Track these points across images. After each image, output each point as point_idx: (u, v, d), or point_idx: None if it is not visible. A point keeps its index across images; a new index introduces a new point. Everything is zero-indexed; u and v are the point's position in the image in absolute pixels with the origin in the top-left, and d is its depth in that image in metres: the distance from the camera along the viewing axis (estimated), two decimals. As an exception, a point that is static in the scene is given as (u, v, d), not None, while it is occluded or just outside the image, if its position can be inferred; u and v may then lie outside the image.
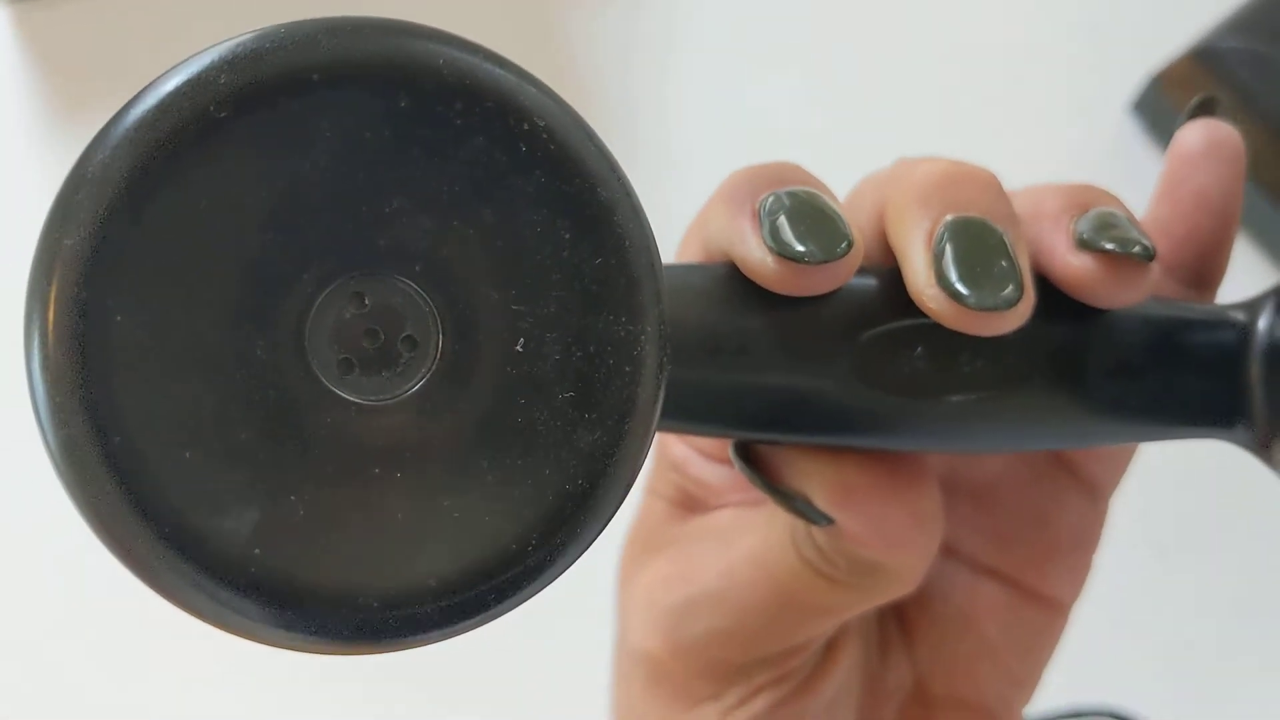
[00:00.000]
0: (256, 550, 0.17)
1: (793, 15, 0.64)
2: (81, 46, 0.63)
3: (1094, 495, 0.29)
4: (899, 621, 0.30)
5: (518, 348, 0.18)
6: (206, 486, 0.16)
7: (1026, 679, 0.30)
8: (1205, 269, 0.27)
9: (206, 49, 0.17)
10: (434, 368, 0.17)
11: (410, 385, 0.17)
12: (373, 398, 0.17)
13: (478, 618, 0.18)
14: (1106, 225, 0.23)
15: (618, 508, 0.18)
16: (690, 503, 0.29)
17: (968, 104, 0.62)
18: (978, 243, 0.21)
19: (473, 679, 0.55)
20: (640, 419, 0.18)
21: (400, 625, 0.17)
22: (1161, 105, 0.56)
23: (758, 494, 0.27)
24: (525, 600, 0.18)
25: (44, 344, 0.16)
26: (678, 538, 0.28)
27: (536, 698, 0.54)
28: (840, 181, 0.25)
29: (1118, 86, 0.58)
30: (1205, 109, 0.27)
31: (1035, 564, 0.29)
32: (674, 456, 0.29)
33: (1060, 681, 0.54)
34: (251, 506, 0.17)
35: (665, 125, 0.61)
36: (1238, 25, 0.56)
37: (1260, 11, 0.56)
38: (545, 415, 0.18)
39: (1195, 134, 0.26)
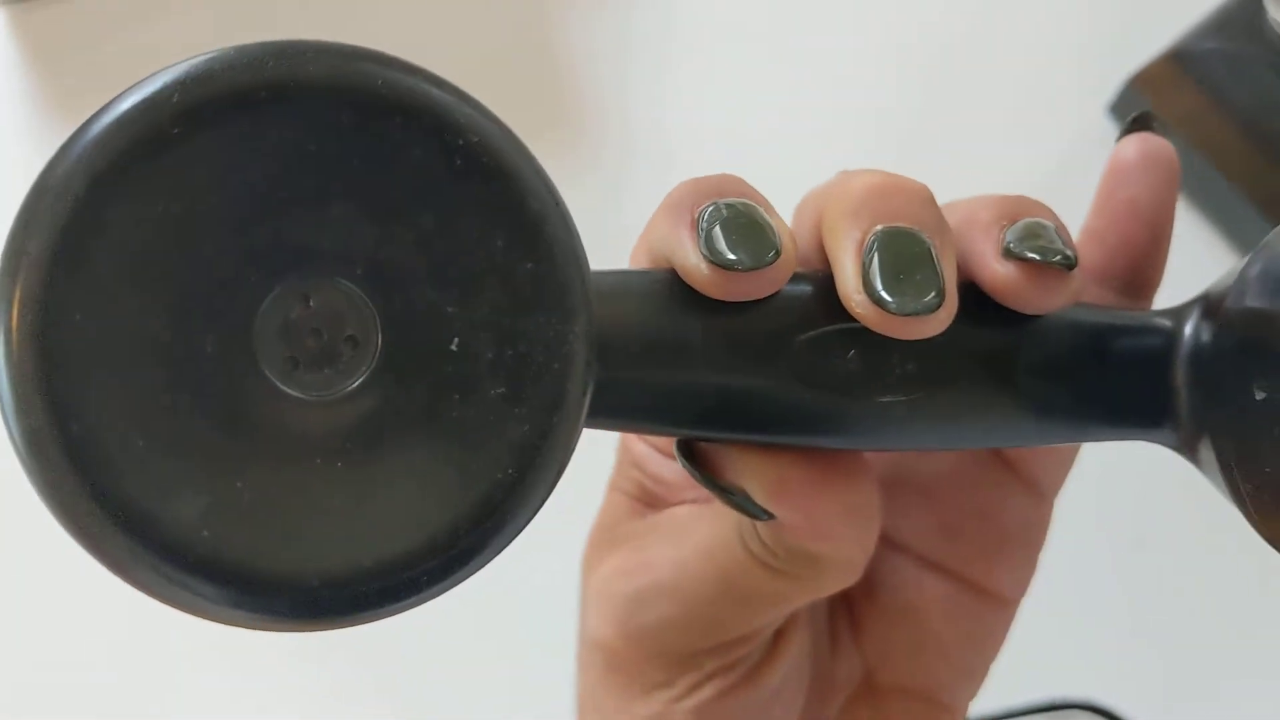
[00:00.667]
0: (205, 532, 0.18)
1: (780, 19, 0.65)
2: (74, 46, 0.64)
3: (1037, 494, 0.30)
4: (849, 615, 0.31)
5: (452, 347, 0.19)
6: (158, 473, 0.18)
7: (973, 670, 0.31)
8: (1139, 277, 0.28)
9: (162, 70, 0.18)
10: (374, 365, 0.19)
11: (351, 381, 0.19)
12: (316, 393, 0.19)
13: (413, 598, 0.19)
14: (1032, 235, 0.24)
15: (546, 496, 0.20)
16: (650, 499, 0.30)
17: (949, 107, 0.63)
18: (904, 252, 0.22)
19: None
20: (568, 413, 0.20)
21: (339, 604, 0.18)
22: (1139, 106, 0.57)
23: (713, 491, 0.28)
24: (458, 583, 0.19)
25: (7, 341, 0.17)
26: (636, 532, 0.29)
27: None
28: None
29: (1096, 89, 0.59)
30: (1141, 124, 0.28)
31: (980, 559, 0.30)
32: (635, 454, 0.30)
33: (1038, 674, 0.55)
34: (200, 492, 0.18)
35: (662, 128, 0.62)
36: (1212, 27, 0.57)
37: (1233, 13, 0.56)
38: (478, 410, 0.19)
39: (1130, 147, 0.27)
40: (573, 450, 0.20)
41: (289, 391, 0.18)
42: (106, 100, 0.18)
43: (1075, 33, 0.63)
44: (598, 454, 0.31)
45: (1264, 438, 0.23)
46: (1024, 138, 0.61)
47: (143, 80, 0.18)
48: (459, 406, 0.19)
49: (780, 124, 0.62)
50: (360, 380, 0.19)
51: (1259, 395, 0.23)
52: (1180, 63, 0.57)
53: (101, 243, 0.18)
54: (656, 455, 0.30)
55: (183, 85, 0.18)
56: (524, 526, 0.20)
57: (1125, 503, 0.58)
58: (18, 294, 0.17)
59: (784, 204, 0.26)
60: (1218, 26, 0.57)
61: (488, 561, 0.19)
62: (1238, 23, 0.56)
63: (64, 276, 0.17)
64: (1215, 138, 0.56)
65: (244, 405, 0.18)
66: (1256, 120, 0.56)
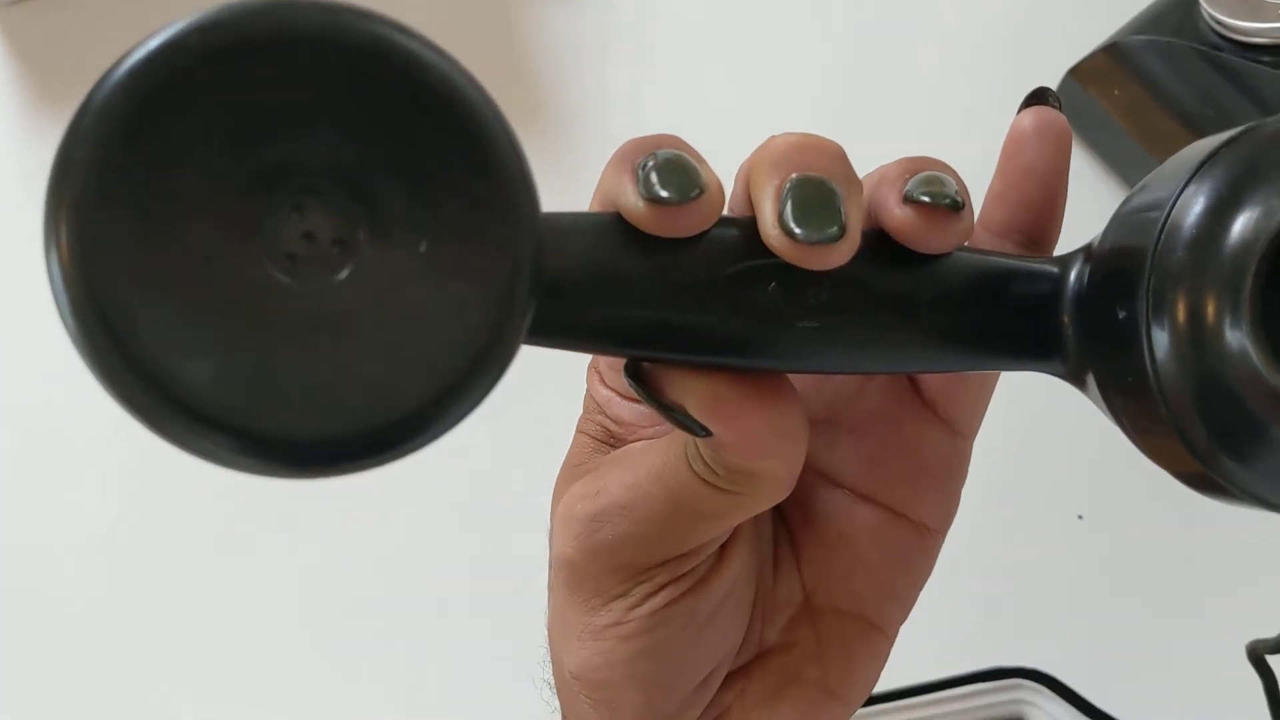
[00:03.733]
0: (216, 390, 0.22)
1: (750, 22, 0.68)
2: (60, 44, 0.67)
3: (954, 432, 0.33)
4: (790, 543, 0.34)
5: (421, 248, 0.23)
6: (179, 344, 0.21)
7: (902, 594, 0.34)
8: (1038, 231, 0.31)
9: (177, 20, 0.22)
10: (357, 261, 0.23)
11: (338, 274, 0.22)
12: (308, 283, 0.22)
13: (387, 454, 0.23)
14: (928, 183, 0.27)
15: (500, 374, 0.23)
16: (612, 439, 0.33)
17: (907, 104, 0.66)
18: (813, 195, 0.26)
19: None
20: (519, 300, 0.23)
21: (325, 455, 0.22)
22: (1078, 97, 0.61)
23: (667, 429, 0.31)
24: (413, 451, 0.23)
25: (57, 233, 0.21)
26: (598, 464, 0.32)
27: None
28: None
29: (1037, 82, 0.63)
30: (1038, 98, 0.31)
31: (904, 490, 0.33)
32: (599, 399, 0.33)
33: (983, 642, 0.58)
34: (214, 357, 0.22)
35: (621, 122, 0.65)
36: (1147, 21, 0.60)
37: (1168, 7, 0.60)
38: (443, 300, 0.23)
39: (1026, 119, 0.31)
40: (524, 332, 0.24)
41: (286, 281, 0.22)
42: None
43: (1017, 28, 0.67)
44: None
45: (1125, 352, 0.26)
46: (967, 128, 0.64)
47: (163, 26, 0.22)
48: (427, 296, 0.23)
49: (747, 120, 0.66)
50: (345, 273, 0.22)
51: (1120, 316, 0.26)
52: (1116, 55, 0.60)
53: (133, 156, 0.21)
54: (617, 399, 0.33)
55: (200, 29, 0.22)
56: (480, 401, 0.23)
57: (1069, 477, 0.61)
58: (67, 194, 0.21)
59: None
60: (1153, 20, 0.60)
61: (445, 432, 0.23)
62: (1172, 16, 0.60)
63: (103, 181, 0.21)
64: (1150, 126, 0.60)
65: (250, 291, 0.22)
66: (1190, 109, 0.59)
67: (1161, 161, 0.60)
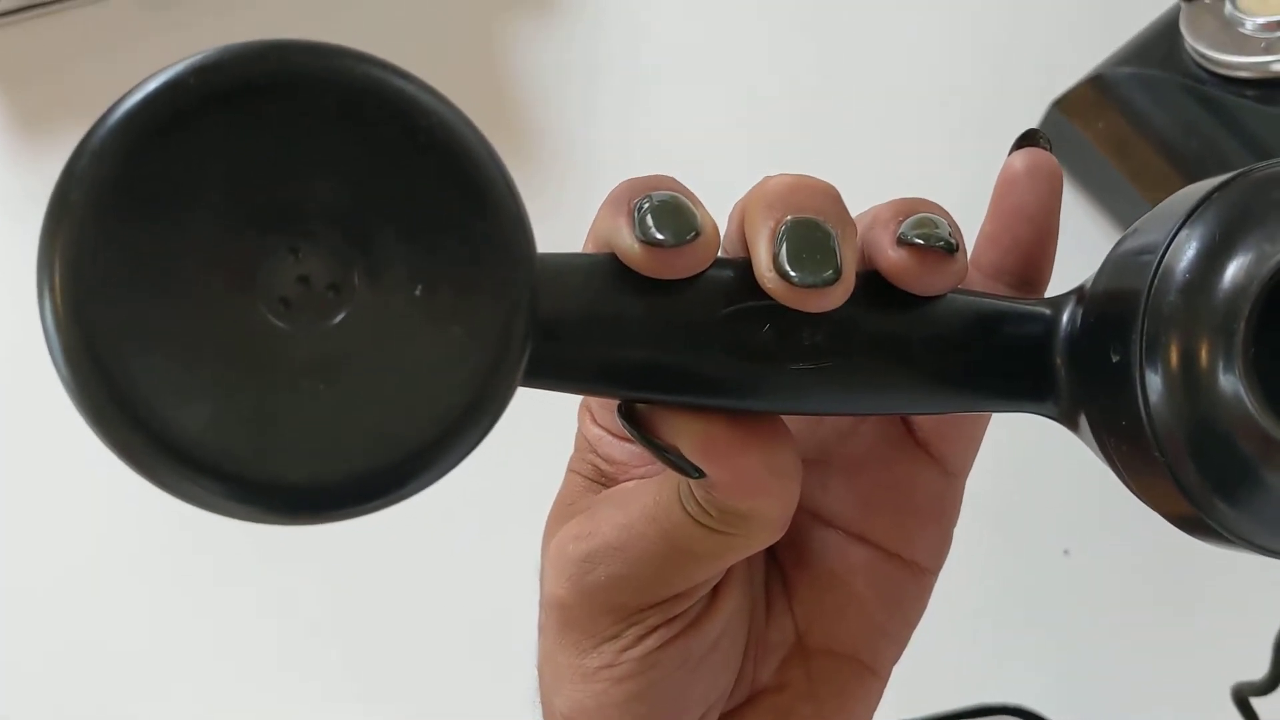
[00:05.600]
0: (209, 436, 0.21)
1: (737, 52, 0.69)
2: (45, 66, 0.67)
3: (946, 472, 0.33)
4: (782, 583, 0.34)
5: (416, 292, 0.23)
6: (171, 389, 0.21)
7: (895, 634, 0.34)
8: (1030, 272, 0.31)
9: (179, 60, 0.22)
10: (352, 306, 0.22)
11: (332, 319, 0.22)
12: (303, 328, 0.22)
13: (380, 499, 0.22)
14: (921, 225, 0.27)
15: (497, 416, 0.23)
16: (604, 478, 0.33)
17: (890, 135, 0.67)
18: (808, 236, 0.26)
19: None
20: (515, 342, 0.23)
21: (318, 501, 0.22)
22: (1062, 129, 0.61)
23: (658, 468, 0.31)
24: (410, 495, 0.23)
25: (51, 274, 0.21)
26: (589, 504, 0.32)
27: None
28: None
29: (1023, 113, 0.63)
30: (1029, 140, 0.31)
31: (896, 530, 0.33)
32: (590, 438, 0.33)
33: (967, 679, 0.58)
34: (206, 403, 0.21)
35: (600, 147, 0.65)
36: (1131, 53, 0.61)
37: (1152, 40, 0.60)
38: (439, 342, 0.23)
39: (1018, 161, 0.31)
40: (519, 376, 0.24)
41: (281, 326, 0.22)
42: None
43: (1002, 60, 0.67)
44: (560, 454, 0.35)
45: (1119, 395, 0.26)
46: (953, 160, 0.64)
47: (164, 68, 0.22)
48: (423, 339, 0.23)
49: (721, 142, 0.66)
50: (340, 317, 0.22)
51: (1114, 359, 0.26)
52: (1100, 87, 0.61)
53: (128, 198, 0.21)
54: (608, 438, 0.33)
55: (199, 71, 0.22)
56: (475, 445, 0.23)
57: (1055, 511, 0.61)
58: (61, 236, 0.21)
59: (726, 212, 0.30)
60: (1137, 52, 0.61)
61: (445, 473, 0.23)
62: (1156, 49, 0.60)
63: (99, 224, 0.21)
64: (1134, 158, 0.60)
65: (245, 336, 0.22)
66: (1173, 141, 0.60)
67: (1143, 193, 0.60)
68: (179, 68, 0.22)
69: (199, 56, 0.22)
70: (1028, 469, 0.58)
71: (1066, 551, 0.60)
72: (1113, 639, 0.59)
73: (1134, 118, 0.60)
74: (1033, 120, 0.63)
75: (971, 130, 0.65)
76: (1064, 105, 0.61)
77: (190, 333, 0.21)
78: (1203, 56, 0.56)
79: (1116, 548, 0.59)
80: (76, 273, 0.21)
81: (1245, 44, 0.55)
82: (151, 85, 0.21)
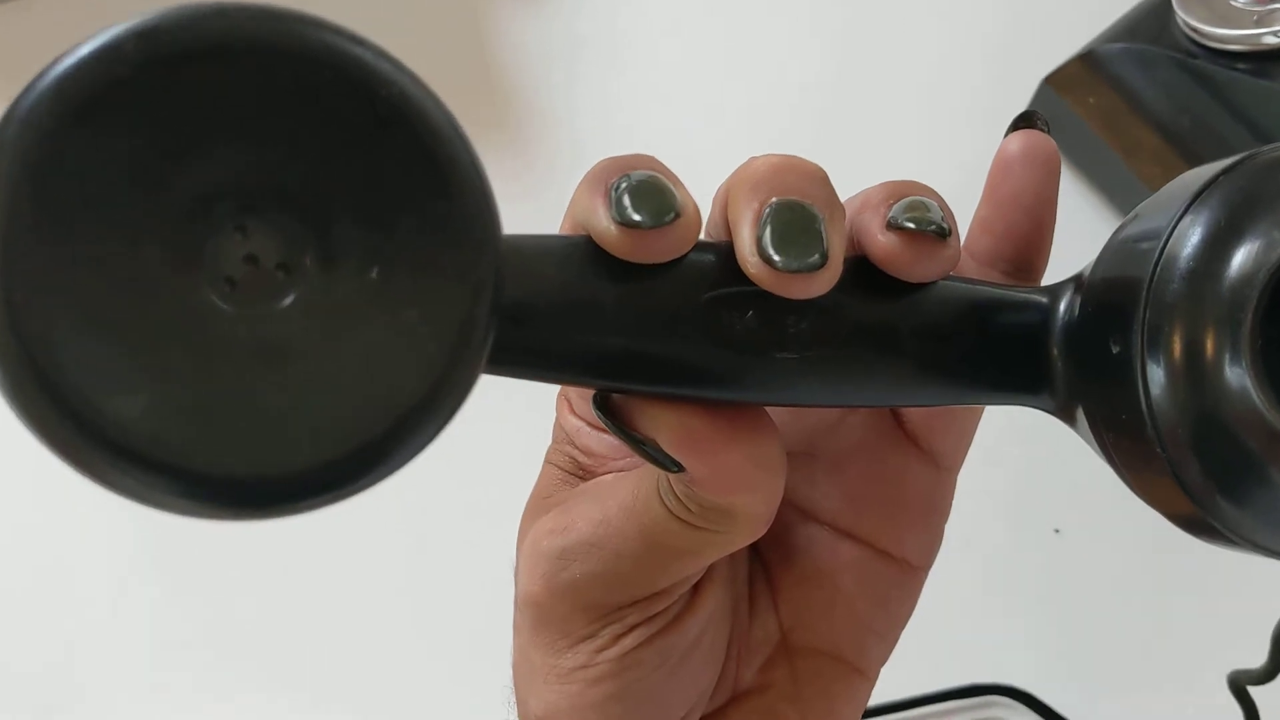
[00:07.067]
0: (146, 426, 0.20)
1: (723, 32, 0.67)
2: (32, 47, 0.65)
3: (937, 467, 0.32)
4: (767, 581, 0.33)
5: (373, 275, 0.21)
6: (107, 372, 0.20)
7: (883, 632, 0.33)
8: (1026, 259, 0.30)
9: (116, 24, 0.20)
10: (303, 287, 0.21)
11: (280, 302, 0.21)
12: (250, 310, 0.20)
13: (333, 492, 0.21)
14: (912, 209, 0.26)
15: (458, 405, 0.22)
16: (581, 470, 0.32)
17: (882, 113, 0.65)
18: (794, 220, 0.25)
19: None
20: (477, 329, 0.22)
21: (267, 495, 0.20)
22: (1054, 106, 0.60)
23: (637, 460, 0.30)
24: (365, 489, 0.21)
25: None
26: (566, 498, 0.31)
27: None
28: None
29: (1014, 90, 0.62)
30: (1025, 122, 0.30)
31: (886, 526, 0.32)
32: (567, 429, 0.32)
33: (958, 659, 0.57)
34: (143, 391, 0.20)
35: (589, 130, 0.64)
36: (1123, 29, 0.59)
37: (1143, 16, 0.59)
38: (396, 327, 0.21)
39: (1014, 144, 0.30)
40: (481, 366, 0.22)
41: (225, 308, 0.20)
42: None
43: (993, 36, 0.66)
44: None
45: (1119, 388, 0.25)
46: (945, 138, 0.63)
47: (100, 31, 0.20)
48: (379, 323, 0.21)
49: (707, 123, 0.65)
50: (289, 301, 0.21)
51: (1114, 350, 0.25)
52: (1092, 63, 0.59)
53: (61, 173, 0.20)
54: (585, 429, 0.31)
55: (139, 35, 0.20)
56: (432, 438, 0.22)
57: (1046, 489, 0.60)
58: None
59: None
60: (1129, 28, 0.60)
61: (394, 472, 0.21)
62: (1148, 24, 0.59)
63: (27, 197, 0.19)
64: (1126, 133, 0.59)
65: (187, 319, 0.20)
66: (1166, 116, 0.59)
67: (1135, 168, 0.59)
68: (116, 31, 0.20)
69: (137, 20, 0.20)
70: (1018, 446, 0.57)
71: (1058, 530, 0.59)
72: (1105, 618, 0.59)
73: (1126, 93, 0.59)
74: (1024, 97, 0.62)
75: (963, 109, 0.64)
76: (1055, 81, 0.60)
77: (127, 315, 0.20)
78: (1194, 30, 0.55)
79: (1109, 527, 0.58)
80: (2, 249, 0.19)
81: (1237, 17, 0.55)
82: (85, 49, 0.20)
